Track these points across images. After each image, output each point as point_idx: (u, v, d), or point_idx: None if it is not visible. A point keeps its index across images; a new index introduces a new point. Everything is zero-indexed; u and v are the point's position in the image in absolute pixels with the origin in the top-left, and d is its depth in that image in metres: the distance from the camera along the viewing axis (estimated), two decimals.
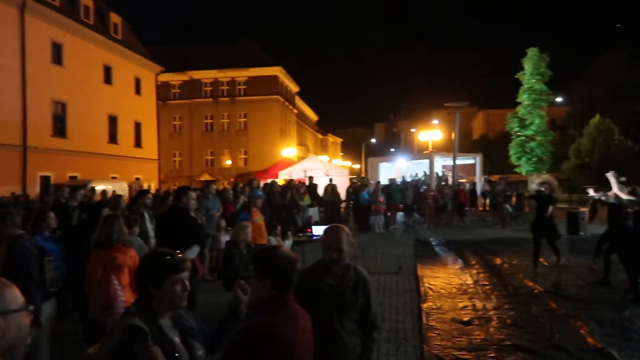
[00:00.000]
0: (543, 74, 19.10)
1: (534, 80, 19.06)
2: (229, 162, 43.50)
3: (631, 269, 7.16)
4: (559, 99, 42.47)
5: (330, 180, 18.05)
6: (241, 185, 14.61)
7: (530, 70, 19.06)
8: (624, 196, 8.86)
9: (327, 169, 24.52)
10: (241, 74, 43.66)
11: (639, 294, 6.90)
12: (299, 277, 2.94)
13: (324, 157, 46.60)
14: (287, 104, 48.14)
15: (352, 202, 17.29)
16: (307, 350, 2.18)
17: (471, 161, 26.61)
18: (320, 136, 76.05)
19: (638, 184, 15.89)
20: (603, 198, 9.69)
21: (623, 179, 10.72)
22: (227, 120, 44.38)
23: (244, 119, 44.11)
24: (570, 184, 33.87)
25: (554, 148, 22.36)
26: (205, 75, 43.84)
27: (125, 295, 4.03)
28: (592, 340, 5.40)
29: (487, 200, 19.97)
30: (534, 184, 19.41)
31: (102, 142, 25.61)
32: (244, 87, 44.08)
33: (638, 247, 7.14)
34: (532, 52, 19.14)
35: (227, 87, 44.39)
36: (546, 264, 9.72)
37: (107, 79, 26.42)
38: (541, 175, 9.45)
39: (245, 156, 44.07)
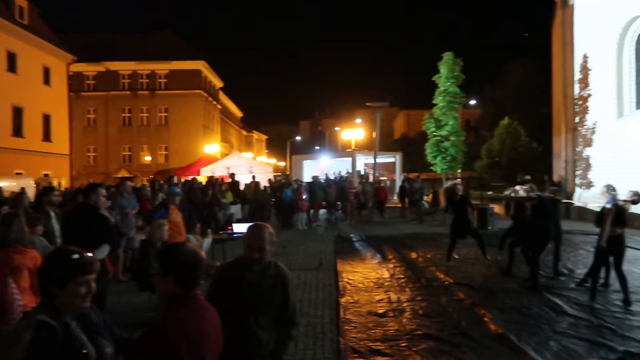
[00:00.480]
0: (457, 77, 20.24)
1: (449, 83, 20.16)
2: (148, 158, 41.82)
3: (531, 259, 7.77)
4: (472, 102, 45.15)
5: (254, 177, 17.94)
6: (160, 182, 14.12)
7: (446, 73, 20.15)
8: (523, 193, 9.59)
9: (250, 166, 24.33)
10: (162, 67, 42.09)
11: (536, 282, 7.51)
12: (219, 272, 2.91)
13: (249, 154, 46.16)
14: (210, 99, 47.11)
15: (274, 200, 17.31)
16: (216, 345, 2.19)
17: (392, 160, 27.56)
18: (244, 133, 75.22)
19: (541, 181, 17.27)
20: (512, 194, 10.44)
21: (528, 177, 11.61)
22: (147, 115, 42.63)
23: (165, 114, 42.61)
24: (482, 182, 36.14)
25: (466, 148, 23.74)
26: (123, 67, 41.83)
27: (24, 300, 3.76)
28: (494, 326, 5.81)
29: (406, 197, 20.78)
30: (448, 182, 20.48)
31: (5, 136, 23.63)
32: (165, 80, 42.55)
33: (536, 238, 7.77)
34: (447, 56, 20.24)
35: (147, 80, 42.63)
36: (457, 257, 10.30)
37: (11, 67, 24.40)
38: (455, 174, 10.05)
39: (165, 152, 42.59)
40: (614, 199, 7.06)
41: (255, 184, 16.95)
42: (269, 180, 20.82)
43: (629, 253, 9.85)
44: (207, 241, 7.87)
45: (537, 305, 6.61)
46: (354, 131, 36.86)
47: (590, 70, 17.62)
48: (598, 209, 7.37)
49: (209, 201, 13.31)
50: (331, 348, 5.31)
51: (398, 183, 22.34)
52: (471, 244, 12.13)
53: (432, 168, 21.56)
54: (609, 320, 5.89)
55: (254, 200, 16.27)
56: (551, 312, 6.31)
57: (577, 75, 18.38)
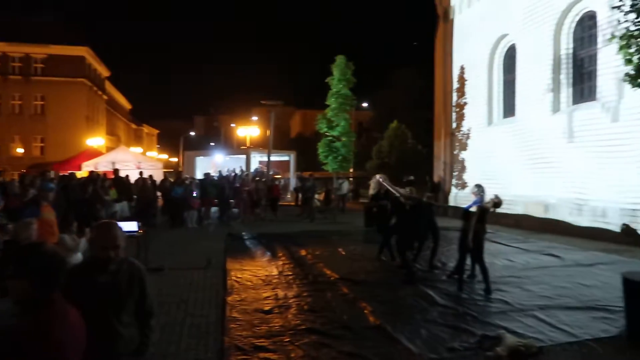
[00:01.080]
0: (349, 80, 21.04)
1: (341, 86, 20.89)
2: (20, 151, 37.88)
3: (402, 254, 8.35)
4: (365, 104, 47.11)
5: (141, 173, 17.07)
6: (32, 176, 12.88)
7: (338, 76, 20.85)
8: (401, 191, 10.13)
9: (138, 161, 23.11)
10: (39, 51, 38.33)
11: (410, 275, 8.08)
12: (70, 274, 2.77)
13: (137, 149, 43.73)
14: (95, 88, 43.87)
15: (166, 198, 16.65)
16: (79, 347, 2.11)
17: (286, 158, 27.85)
18: (134, 126, 71.12)
19: (423, 181, 18.48)
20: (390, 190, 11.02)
21: (411, 177, 12.37)
22: (19, 102, 38.60)
23: (41, 102, 38.88)
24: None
25: (359, 148, 24.73)
26: None
27: None
28: (373, 318, 6.15)
29: (300, 195, 21.14)
30: (340, 181, 21.20)
31: None
32: (42, 65, 38.81)
33: (410, 234, 8.38)
34: (339, 59, 20.96)
35: (20, 64, 38.56)
36: (344, 253, 10.72)
37: None
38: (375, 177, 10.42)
39: (41, 144, 38.89)
40: (481, 200, 7.77)
41: (142, 181, 16.15)
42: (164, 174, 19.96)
43: (494, 247, 11.04)
44: (84, 241, 7.35)
45: (412, 297, 7.11)
46: (249, 128, 36.61)
47: (466, 80, 19.29)
48: (467, 205, 8.11)
49: (89, 198, 12.42)
50: (215, 347, 5.26)
51: (292, 181, 22.65)
52: (358, 241, 12.75)
53: (324, 167, 22.17)
54: (472, 308, 6.52)
55: (140, 197, 15.49)
56: (424, 303, 6.83)
57: (455, 85, 20.04)
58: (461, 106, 19.62)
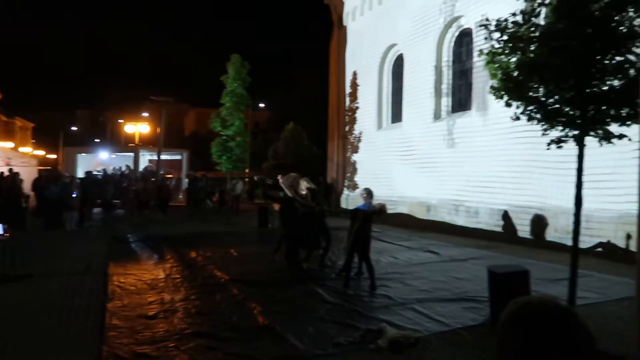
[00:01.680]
0: (244, 79, 20.84)
1: (236, 85, 20.62)
2: None
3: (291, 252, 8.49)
4: (262, 105, 47.00)
5: (11, 170, 15.40)
6: None
7: (233, 75, 20.55)
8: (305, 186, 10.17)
9: (8, 157, 20.82)
10: None
11: (296, 272, 8.23)
12: None
13: (8, 144, 39.37)
14: None
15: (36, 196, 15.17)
16: None
17: (178, 157, 26.85)
18: (4, 118, 63.89)
19: (318, 183, 18.83)
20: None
21: (306, 179, 12.56)
22: None
23: None
24: (267, 182, 37.84)
25: (255, 149, 24.59)
26: None
27: None
28: (262, 318, 6.15)
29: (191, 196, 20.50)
30: (235, 182, 20.91)
31: None
32: None
33: (302, 235, 8.55)
34: (234, 58, 20.68)
35: None
36: (236, 254, 10.60)
37: None
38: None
39: None
40: (369, 204, 8.09)
41: (12, 178, 14.58)
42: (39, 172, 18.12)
43: (380, 245, 11.59)
44: None
45: (302, 296, 7.23)
46: (139, 125, 34.70)
47: (359, 86, 20.09)
48: (355, 207, 8.44)
49: None
50: (91, 357, 4.90)
51: (185, 181, 21.89)
52: (251, 241, 12.68)
53: (218, 167, 21.72)
54: (358, 304, 6.80)
55: (8, 197, 13.96)
56: (313, 301, 6.97)
57: (348, 89, 20.77)
58: (353, 110, 20.38)
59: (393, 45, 18.19)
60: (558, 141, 4.94)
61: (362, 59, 19.86)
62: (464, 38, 15.05)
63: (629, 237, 9.42)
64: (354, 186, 19.99)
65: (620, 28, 4.42)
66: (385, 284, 7.85)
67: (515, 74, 4.85)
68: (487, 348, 5.15)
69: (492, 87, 5.15)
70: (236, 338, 5.48)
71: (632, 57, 4.46)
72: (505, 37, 5.00)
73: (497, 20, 5.09)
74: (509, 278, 5.69)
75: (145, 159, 25.59)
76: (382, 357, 4.99)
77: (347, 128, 20.89)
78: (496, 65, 5.07)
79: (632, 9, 4.33)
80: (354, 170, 20.22)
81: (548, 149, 5.10)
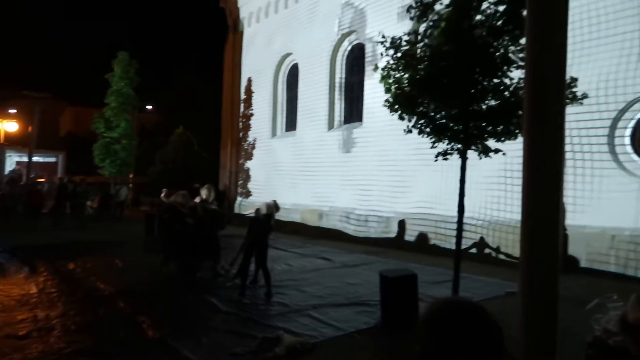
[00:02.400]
0: (132, 79, 19.69)
1: (123, 84, 19.42)
2: None
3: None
4: (149, 107, 44.66)
5: None
6: None
7: (119, 73, 19.33)
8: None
9: None
10: None
11: (188, 282, 7.95)
12: None
13: None
14: None
15: None
16: None
17: (53, 159, 24.54)
18: None
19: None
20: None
21: (197, 185, 12.16)
22: None
23: None
24: (154, 188, 36.00)
25: (141, 153, 23.28)
26: None
27: None
28: (152, 332, 5.81)
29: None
30: (120, 188, 19.61)
31: None
32: None
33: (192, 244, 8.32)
34: (122, 55, 19.48)
35: None
36: (121, 264, 9.92)
37: None
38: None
39: None
40: (269, 215, 8.05)
41: None
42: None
43: (274, 252, 11.53)
44: None
45: (195, 306, 6.97)
46: (5, 123, 31.05)
47: (253, 92, 20.00)
48: (252, 216, 8.35)
49: None
50: None
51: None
52: (137, 250, 11.95)
53: (100, 171, 20.20)
54: (254, 313, 6.71)
55: None
56: (206, 311, 6.75)
57: (243, 96, 20.59)
58: (248, 117, 20.23)
59: (288, 55, 18.41)
60: (444, 153, 5.37)
61: (257, 65, 19.82)
62: (356, 53, 15.71)
63: (494, 241, 10.51)
64: (247, 193, 19.81)
65: (497, 54, 4.95)
66: (280, 291, 7.85)
67: (408, 89, 5.20)
68: (379, 349, 5.39)
69: (386, 101, 5.46)
70: (124, 354, 5.13)
71: (507, 80, 5.02)
72: (399, 55, 5.33)
73: (392, 38, 5.42)
74: (399, 281, 6.01)
75: (13, 160, 22.98)
76: None
77: (241, 134, 20.67)
78: (390, 80, 5.37)
79: (507, 38, 4.87)
80: (248, 178, 20.04)
81: (436, 160, 5.52)
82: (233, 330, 5.93)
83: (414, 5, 5.13)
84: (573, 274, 8.59)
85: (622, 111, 8.90)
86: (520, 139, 5.25)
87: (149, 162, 37.55)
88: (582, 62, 8.91)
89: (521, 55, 4.93)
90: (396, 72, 5.36)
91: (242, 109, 20.70)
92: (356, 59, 15.70)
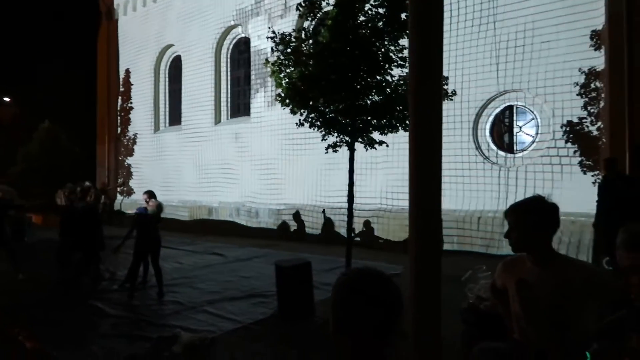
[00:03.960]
0: None
1: None
2: None
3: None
4: (6, 99, 39.91)
5: None
6: None
7: None
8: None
9: None
10: None
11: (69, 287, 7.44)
12: None
13: None
14: None
15: None
16: None
17: None
18: None
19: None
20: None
21: (69, 184, 11.25)
22: None
23: None
24: (20, 189, 32.42)
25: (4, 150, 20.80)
26: None
27: None
28: (31, 344, 5.34)
29: None
30: None
31: None
32: None
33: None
34: None
35: None
36: None
37: None
38: None
39: None
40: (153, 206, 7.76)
41: None
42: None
43: (163, 251, 11.03)
44: None
45: (78, 313, 6.53)
46: None
47: (132, 85, 18.91)
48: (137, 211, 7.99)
49: None
50: None
51: None
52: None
53: None
54: (146, 314, 6.48)
55: None
56: (93, 317, 6.37)
57: (121, 88, 19.37)
58: (127, 110, 19.10)
59: (170, 46, 17.69)
60: (334, 146, 5.66)
61: (135, 56, 18.75)
62: (241, 46, 15.62)
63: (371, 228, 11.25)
64: (129, 192, 18.75)
65: (379, 53, 5.33)
66: (173, 289, 7.65)
67: (298, 84, 5.38)
68: (278, 338, 5.54)
69: (278, 95, 5.58)
70: None
71: (388, 78, 5.43)
72: (289, 50, 5.49)
73: (282, 34, 5.56)
74: (294, 270, 6.20)
75: None
76: None
77: (119, 129, 19.45)
78: (282, 75, 5.51)
79: (387, 38, 5.27)
80: (129, 175, 18.95)
81: (326, 152, 5.80)
82: (125, 334, 5.68)
83: (302, 3, 5.31)
84: (445, 254, 9.53)
85: (483, 107, 10.05)
86: (401, 132, 5.76)
87: (9, 161, 33.68)
88: (451, 63, 9.87)
89: (400, 55, 5.38)
90: (286, 67, 5.51)
91: (120, 102, 19.48)
92: (242, 53, 15.62)
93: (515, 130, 10.13)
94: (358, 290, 1.30)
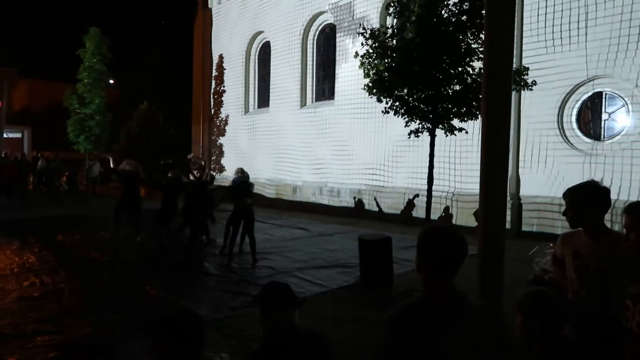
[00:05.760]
0: (104, 55, 19.58)
1: (95, 60, 19.29)
2: None
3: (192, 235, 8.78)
4: (112, 81, 43.76)
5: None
6: None
7: (92, 49, 19.17)
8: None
9: None
10: None
11: (186, 256, 8.55)
12: None
13: None
14: None
15: None
16: None
17: (18, 135, 24.17)
18: None
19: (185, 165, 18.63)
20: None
21: (170, 160, 12.63)
22: None
23: None
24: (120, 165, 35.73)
25: (110, 128, 23.23)
26: None
27: None
28: (154, 292, 6.46)
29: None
30: (94, 164, 19.69)
31: None
32: None
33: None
34: (93, 31, 19.28)
35: None
36: (108, 236, 10.40)
37: None
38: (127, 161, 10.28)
39: None
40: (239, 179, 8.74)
41: None
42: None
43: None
44: None
45: (189, 271, 7.65)
46: None
47: (225, 69, 20.27)
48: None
49: None
50: None
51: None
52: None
53: (74, 147, 20.21)
54: (244, 275, 7.44)
55: None
56: (202, 275, 7.44)
57: (214, 73, 20.83)
58: (219, 94, 20.53)
59: (260, 33, 18.73)
60: (416, 132, 6.16)
61: (228, 42, 20.05)
62: (327, 33, 16.25)
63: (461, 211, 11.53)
64: (221, 169, 20.27)
65: (461, 46, 5.71)
66: (265, 257, 8.58)
67: (384, 75, 5.92)
68: (360, 302, 6.22)
69: (366, 85, 6.16)
70: (135, 309, 5.76)
71: (469, 69, 5.81)
72: (376, 44, 6.03)
73: (371, 30, 6.11)
74: (376, 244, 6.83)
75: None
76: None
77: (212, 111, 20.98)
78: (369, 66, 6.09)
79: (469, 33, 5.64)
80: (221, 153, 20.47)
81: (409, 137, 6.31)
82: (229, 289, 6.64)
83: (392, 3, 5.80)
84: (524, 238, 9.69)
85: (570, 93, 9.95)
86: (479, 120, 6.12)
87: (113, 139, 37.17)
88: (535, 54, 9.83)
89: (482, 49, 5.73)
90: (374, 60, 6.06)
91: (213, 85, 20.96)
92: (328, 39, 16.25)
93: (604, 117, 9.93)
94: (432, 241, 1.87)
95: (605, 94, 9.83)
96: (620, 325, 2.34)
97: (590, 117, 10.07)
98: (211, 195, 9.63)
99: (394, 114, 6.22)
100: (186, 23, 24.31)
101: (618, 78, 9.38)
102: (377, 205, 13.35)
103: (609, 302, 2.76)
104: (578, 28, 9.71)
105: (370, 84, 6.22)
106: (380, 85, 5.99)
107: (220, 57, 20.54)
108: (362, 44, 6.20)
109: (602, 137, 9.91)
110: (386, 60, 5.88)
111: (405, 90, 6.00)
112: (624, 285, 2.62)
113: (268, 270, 7.76)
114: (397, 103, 6.11)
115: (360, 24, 6.35)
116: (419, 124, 6.12)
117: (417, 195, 12.50)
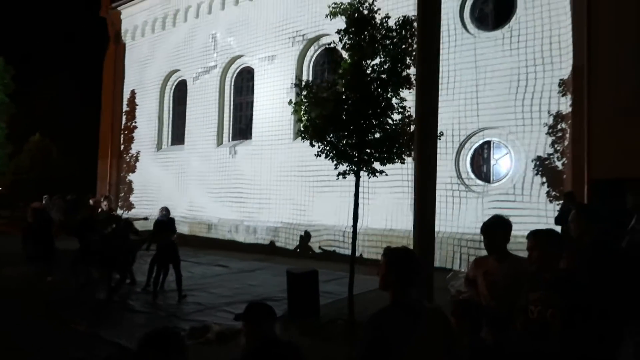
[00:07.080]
0: (7, 85, 18.38)
1: None
2: None
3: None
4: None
5: None
6: None
7: None
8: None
9: None
10: None
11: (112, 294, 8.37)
12: None
13: None
14: None
15: None
16: None
17: None
18: None
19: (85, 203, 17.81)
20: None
21: (69, 196, 12.23)
22: None
23: None
24: (7, 200, 32.79)
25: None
26: None
27: None
28: (85, 328, 6.35)
29: None
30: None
31: None
32: None
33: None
34: None
35: None
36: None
37: None
38: None
39: None
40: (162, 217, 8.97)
41: None
42: None
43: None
44: None
45: (114, 309, 7.55)
46: None
47: (137, 105, 19.97)
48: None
49: None
50: None
51: None
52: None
53: None
54: (173, 311, 7.52)
55: None
56: (129, 313, 7.39)
57: (126, 108, 20.41)
58: (130, 129, 20.10)
59: (176, 71, 18.85)
60: (344, 173, 6.86)
61: (142, 79, 19.85)
62: (244, 75, 16.86)
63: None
64: (129, 206, 19.62)
65: (381, 99, 6.60)
66: (190, 293, 8.67)
67: (317, 122, 6.61)
68: (292, 330, 6.61)
69: (299, 130, 6.75)
70: (58, 347, 5.66)
71: (389, 120, 6.70)
72: (311, 95, 6.76)
73: (305, 82, 6.84)
74: (304, 277, 7.33)
75: None
76: (212, 348, 5.96)
77: (122, 147, 20.41)
78: (302, 113, 6.76)
79: (390, 89, 6.57)
80: (130, 190, 19.85)
81: (337, 179, 6.98)
82: (160, 325, 6.69)
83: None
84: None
85: (463, 143, 11.44)
86: (397, 164, 7.02)
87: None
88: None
89: (400, 104, 6.73)
90: (307, 108, 6.74)
91: (124, 120, 20.49)
92: (244, 81, 16.86)
93: (492, 162, 11.50)
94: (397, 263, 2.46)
95: (493, 143, 11.43)
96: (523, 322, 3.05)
97: (482, 162, 11.60)
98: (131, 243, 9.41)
99: (325, 157, 6.88)
100: (95, 55, 23.65)
101: (502, 129, 11.01)
102: (301, 241, 13.81)
103: (512, 309, 3.54)
104: (475, 85, 11.30)
105: (303, 129, 6.87)
106: (313, 131, 6.65)
107: (132, 92, 20.23)
108: (297, 93, 6.86)
109: (491, 179, 11.43)
110: (319, 110, 6.59)
111: (335, 136, 6.72)
112: (525, 295, 3.39)
113: (196, 305, 7.89)
114: (328, 147, 6.80)
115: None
116: (347, 166, 6.84)
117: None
